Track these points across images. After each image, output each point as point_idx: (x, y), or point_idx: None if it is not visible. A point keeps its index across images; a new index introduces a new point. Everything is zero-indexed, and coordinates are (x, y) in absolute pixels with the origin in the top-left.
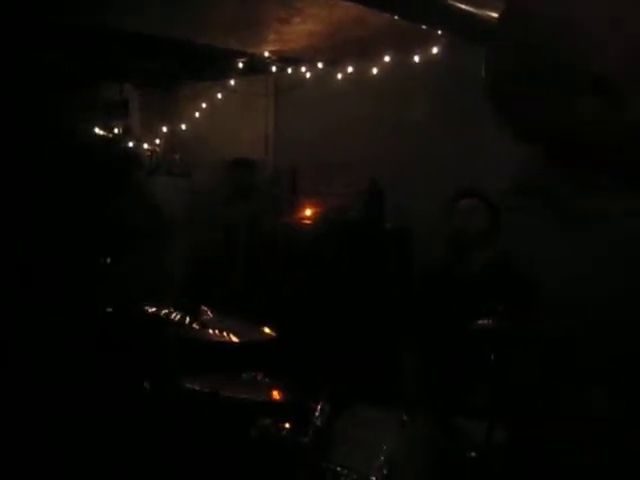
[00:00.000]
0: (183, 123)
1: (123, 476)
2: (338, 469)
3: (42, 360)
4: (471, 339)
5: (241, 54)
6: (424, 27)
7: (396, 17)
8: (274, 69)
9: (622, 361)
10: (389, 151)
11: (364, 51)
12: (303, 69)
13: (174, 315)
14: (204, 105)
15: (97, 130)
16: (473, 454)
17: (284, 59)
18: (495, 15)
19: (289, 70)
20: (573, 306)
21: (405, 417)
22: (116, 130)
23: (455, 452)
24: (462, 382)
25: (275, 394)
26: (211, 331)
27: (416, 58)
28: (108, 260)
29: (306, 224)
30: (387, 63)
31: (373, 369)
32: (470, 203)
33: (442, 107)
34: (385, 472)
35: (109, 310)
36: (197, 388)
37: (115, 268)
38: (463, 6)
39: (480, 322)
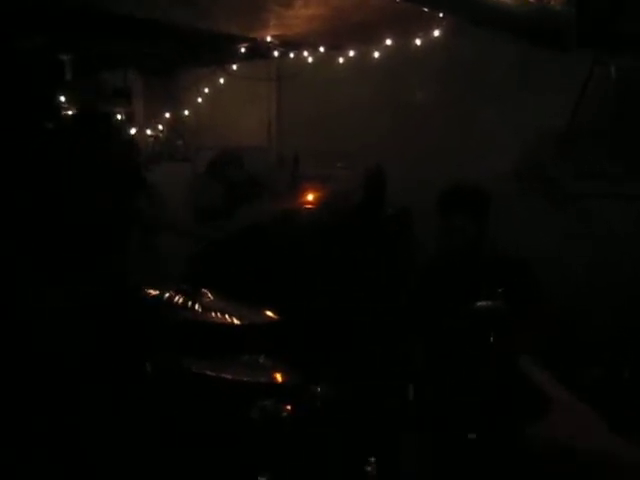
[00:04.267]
0: (186, 109)
1: (122, 456)
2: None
3: (46, 337)
4: (472, 320)
5: (243, 39)
6: (425, 10)
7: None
8: (276, 54)
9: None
10: (391, 135)
11: (366, 35)
12: (305, 53)
13: (176, 298)
14: (207, 91)
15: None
16: (473, 435)
17: (286, 44)
18: None
19: (291, 55)
20: (570, 284)
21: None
22: (119, 117)
23: (456, 433)
24: (463, 362)
25: (277, 376)
26: (213, 314)
27: (417, 41)
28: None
29: (308, 209)
30: (389, 47)
31: (374, 352)
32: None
33: (444, 91)
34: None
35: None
36: (199, 370)
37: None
38: None
39: (480, 304)
